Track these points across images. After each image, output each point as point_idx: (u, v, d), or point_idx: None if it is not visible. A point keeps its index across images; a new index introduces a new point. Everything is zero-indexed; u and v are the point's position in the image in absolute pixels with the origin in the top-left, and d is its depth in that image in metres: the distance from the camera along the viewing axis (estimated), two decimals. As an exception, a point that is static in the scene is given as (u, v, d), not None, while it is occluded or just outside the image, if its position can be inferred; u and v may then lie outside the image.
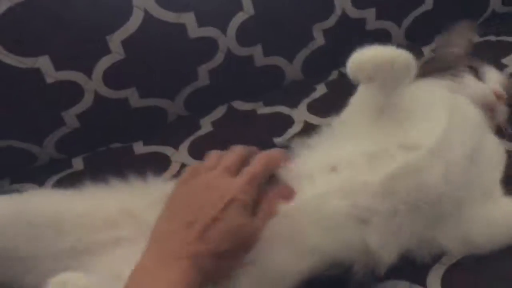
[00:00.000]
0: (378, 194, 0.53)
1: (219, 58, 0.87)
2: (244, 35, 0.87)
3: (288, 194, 0.54)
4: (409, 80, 0.58)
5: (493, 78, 0.69)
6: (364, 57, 0.55)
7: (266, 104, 0.90)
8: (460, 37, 0.76)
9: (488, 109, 0.65)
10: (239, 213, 0.51)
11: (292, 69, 0.93)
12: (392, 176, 0.53)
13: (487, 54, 0.93)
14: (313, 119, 0.84)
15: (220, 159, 0.56)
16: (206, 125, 0.87)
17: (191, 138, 0.85)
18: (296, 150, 0.60)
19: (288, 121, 0.85)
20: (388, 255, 0.53)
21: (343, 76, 0.95)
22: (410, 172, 0.54)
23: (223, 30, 0.86)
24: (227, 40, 0.86)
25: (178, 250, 0.48)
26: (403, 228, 0.54)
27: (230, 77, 0.89)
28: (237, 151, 0.57)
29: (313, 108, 0.87)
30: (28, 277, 0.55)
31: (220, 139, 0.82)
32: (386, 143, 0.56)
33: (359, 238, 0.52)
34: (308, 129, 0.81)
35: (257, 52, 0.89)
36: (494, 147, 0.62)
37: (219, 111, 0.90)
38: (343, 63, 0.95)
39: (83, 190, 0.61)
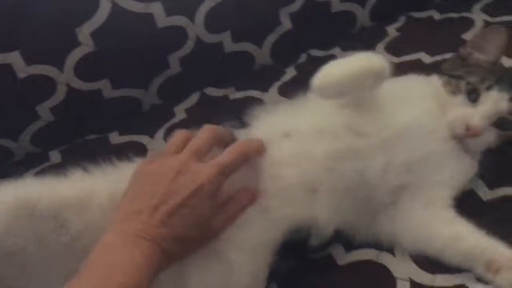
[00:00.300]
0: (322, 168, 0.55)
1: (189, 46, 0.88)
2: (212, 22, 0.89)
3: (252, 197, 0.55)
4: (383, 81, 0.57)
5: (484, 108, 0.60)
6: (331, 79, 0.55)
7: (238, 89, 0.92)
8: (493, 43, 0.64)
9: (455, 137, 0.61)
10: (204, 202, 0.51)
11: (262, 54, 0.95)
12: (332, 154, 0.56)
13: (449, 30, 0.98)
14: (283, 101, 0.87)
15: (189, 140, 0.56)
16: (180, 113, 0.89)
17: (166, 125, 0.87)
18: (257, 114, 0.62)
19: (260, 105, 0.89)
20: (330, 227, 0.56)
21: (312, 58, 0.98)
22: (350, 156, 0.56)
23: (191, 18, 0.87)
24: (195, 28, 0.88)
25: (142, 231, 0.49)
26: (343, 205, 0.56)
27: (201, 64, 0.91)
28: (208, 132, 0.56)
29: (284, 91, 0.89)
30: (31, 283, 0.54)
31: (194, 126, 0.83)
32: (337, 123, 0.58)
33: (309, 207, 0.55)
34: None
35: (226, 38, 0.91)
36: (454, 164, 0.60)
37: (193, 98, 0.92)
38: (311, 45, 1.01)
39: (71, 178, 0.60)
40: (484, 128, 0.59)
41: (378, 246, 0.59)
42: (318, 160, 0.56)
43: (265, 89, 0.91)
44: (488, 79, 0.61)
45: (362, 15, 0.99)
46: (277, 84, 0.91)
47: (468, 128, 0.59)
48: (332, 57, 0.98)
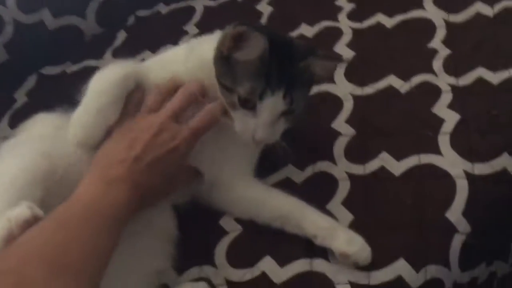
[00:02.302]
0: None
1: (8, 31, 0.88)
2: (26, 3, 0.89)
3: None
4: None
5: (263, 120, 0.58)
6: (87, 139, 0.58)
7: (74, 62, 0.94)
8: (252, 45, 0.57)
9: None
10: (177, 161, 0.58)
11: (88, 24, 0.97)
12: None
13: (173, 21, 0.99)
14: (120, 63, 0.92)
15: (166, 98, 0.60)
16: (21, 97, 0.90)
17: (10, 112, 0.87)
18: None
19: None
20: None
21: (140, 19, 1.02)
22: None
23: (2, 2, 0.87)
24: (10, 12, 0.88)
25: (124, 175, 0.54)
26: None
27: (27, 46, 0.91)
28: (184, 93, 0.60)
29: (118, 54, 0.93)
30: None
31: (38, 106, 0.80)
32: None
33: None
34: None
35: (46, 16, 0.92)
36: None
37: (31, 81, 0.92)
38: (136, 7, 1.04)
39: None
40: (269, 133, 0.59)
41: (308, 253, 0.59)
42: None
43: (100, 56, 0.94)
44: (257, 86, 0.57)
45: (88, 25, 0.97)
46: (111, 49, 0.95)
47: (254, 140, 0.60)
48: (158, 14, 1.04)
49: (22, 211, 0.49)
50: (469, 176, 0.62)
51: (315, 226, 0.59)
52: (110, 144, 0.59)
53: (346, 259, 0.57)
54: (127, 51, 0.96)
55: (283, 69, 0.58)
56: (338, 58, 0.67)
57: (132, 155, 0.56)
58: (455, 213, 0.60)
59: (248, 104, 0.59)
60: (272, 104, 0.59)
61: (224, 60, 0.59)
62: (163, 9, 1.02)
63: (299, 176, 0.67)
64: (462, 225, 0.60)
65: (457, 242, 0.59)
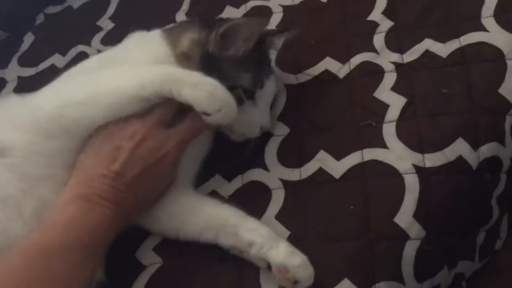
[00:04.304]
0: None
1: None
2: None
3: None
4: None
5: (266, 106, 0.58)
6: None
7: (-23, 76, 0.84)
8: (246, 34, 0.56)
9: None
10: (168, 169, 0.52)
11: (-13, 30, 0.87)
12: None
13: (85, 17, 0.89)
14: (26, 72, 0.80)
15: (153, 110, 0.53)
16: None
17: None
18: None
19: (2, 84, 0.81)
20: None
21: (49, 17, 0.91)
22: None
23: None
24: None
25: (106, 193, 0.49)
26: None
27: None
28: (173, 102, 0.52)
29: (25, 61, 0.83)
30: None
31: None
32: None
33: None
34: (22, 84, 0.79)
35: None
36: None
37: None
38: (47, 3, 0.93)
39: None
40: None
41: (237, 284, 0.51)
42: None
43: (4, 65, 0.83)
44: (256, 74, 0.57)
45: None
46: (17, 55, 0.85)
47: (262, 129, 0.58)
48: (69, 9, 0.93)
49: None
50: (419, 170, 0.53)
51: (253, 233, 0.50)
52: (90, 148, 0.51)
53: (284, 273, 0.47)
54: (35, 56, 0.86)
55: (262, 51, 0.59)
56: (289, 30, 0.62)
57: (114, 169, 0.50)
58: (405, 217, 0.51)
59: (249, 94, 0.58)
60: (270, 88, 0.60)
61: (211, 63, 0.55)
62: (74, 3, 0.90)
63: (226, 188, 0.58)
64: (415, 230, 0.51)
65: (409, 250, 0.50)
